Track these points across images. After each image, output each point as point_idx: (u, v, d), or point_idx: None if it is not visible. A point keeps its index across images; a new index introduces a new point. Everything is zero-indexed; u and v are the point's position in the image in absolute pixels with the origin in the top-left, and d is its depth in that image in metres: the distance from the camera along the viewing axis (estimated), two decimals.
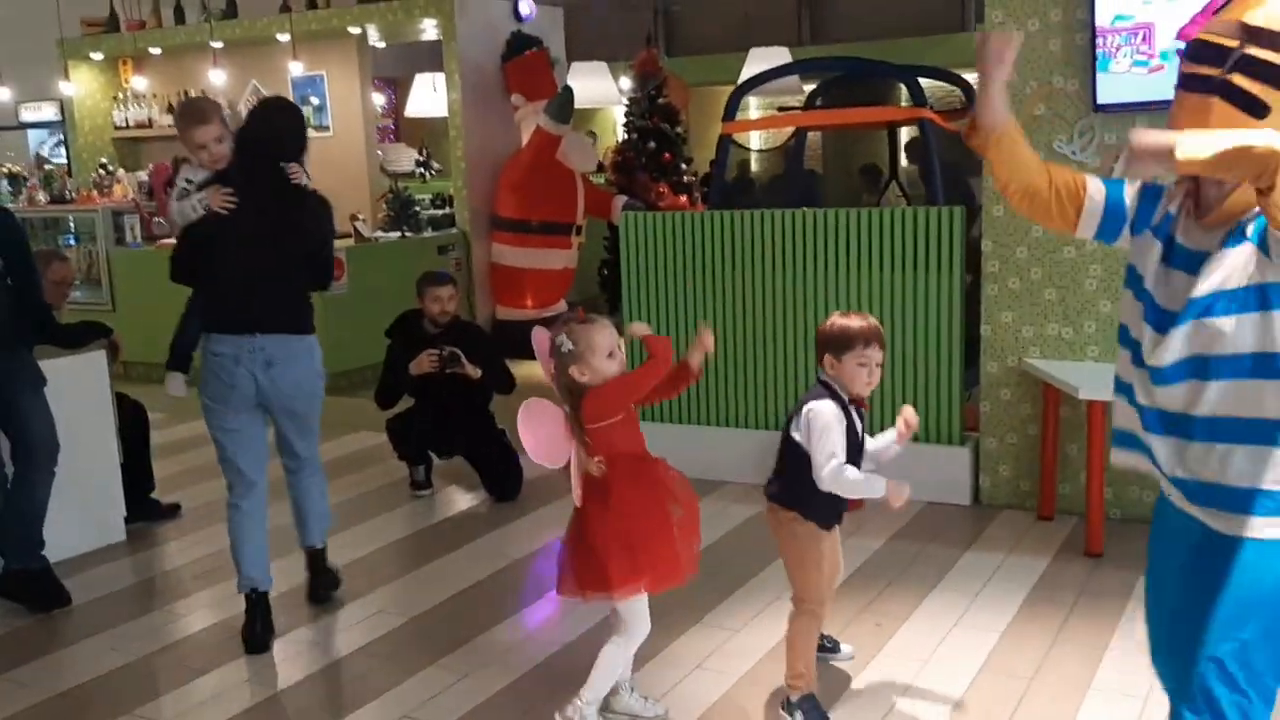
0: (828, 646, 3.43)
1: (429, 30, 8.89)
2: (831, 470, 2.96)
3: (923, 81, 5.90)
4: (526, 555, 4.52)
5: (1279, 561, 1.98)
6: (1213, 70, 1.97)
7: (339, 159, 8.96)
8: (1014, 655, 3.48)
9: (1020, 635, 3.62)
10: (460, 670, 3.52)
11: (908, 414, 3.11)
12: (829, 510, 3.13)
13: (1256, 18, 1.93)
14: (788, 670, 3.15)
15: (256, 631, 3.74)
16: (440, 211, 9.36)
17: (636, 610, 3.06)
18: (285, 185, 3.77)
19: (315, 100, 9.22)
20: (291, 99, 9.03)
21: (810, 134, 7.25)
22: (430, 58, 10.78)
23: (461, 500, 5.31)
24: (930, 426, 4.86)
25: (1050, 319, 4.60)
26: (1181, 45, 2.07)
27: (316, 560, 4.10)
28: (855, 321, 3.04)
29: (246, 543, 3.77)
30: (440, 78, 10.13)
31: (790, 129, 6.81)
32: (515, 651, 3.64)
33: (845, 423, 3.00)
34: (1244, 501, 1.98)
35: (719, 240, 5.24)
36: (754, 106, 11.51)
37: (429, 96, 11.70)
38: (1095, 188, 2.20)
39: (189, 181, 3.88)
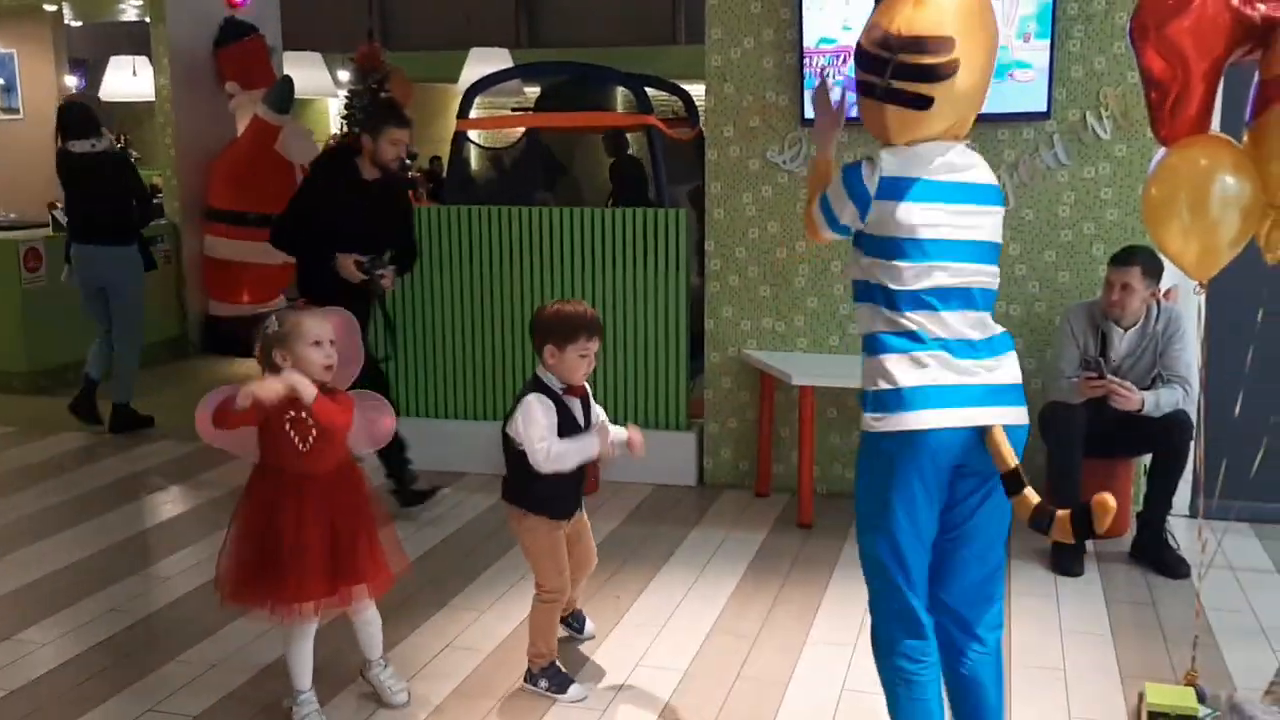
0: (575, 626, 3.61)
1: (129, 10, 8.45)
2: (544, 454, 3.08)
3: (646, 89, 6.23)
4: None
5: None
6: (876, 79, 2.34)
7: (31, 144, 8.36)
8: (739, 619, 3.81)
9: (744, 601, 3.95)
10: (201, 665, 3.47)
11: (636, 444, 3.26)
12: (559, 502, 3.25)
13: (899, 26, 2.29)
14: (529, 649, 3.32)
15: (82, 406, 6.10)
16: None
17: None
18: (102, 152, 6.03)
19: (2, 81, 8.54)
20: None
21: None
22: (128, 39, 10.23)
23: (186, 498, 5.13)
24: (658, 414, 5.18)
25: (765, 313, 5.02)
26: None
27: (118, 409, 6.12)
28: (576, 313, 3.14)
29: (94, 351, 6.15)
30: (140, 60, 9.64)
31: (520, 129, 6.99)
32: (256, 645, 3.60)
33: (555, 412, 3.13)
34: None
35: (454, 235, 5.34)
36: (475, 105, 11.63)
37: (127, 80, 11.05)
38: None
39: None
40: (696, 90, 6.04)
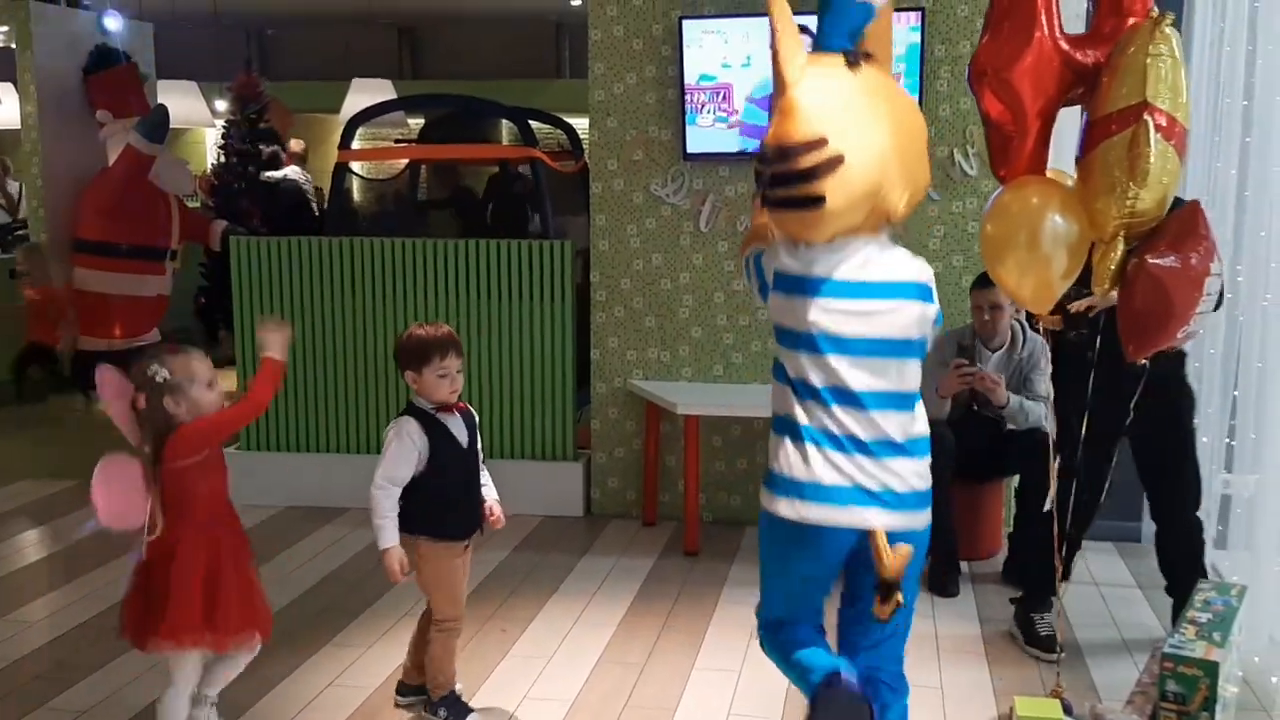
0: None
1: None
2: (375, 489, 3.08)
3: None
4: (97, 614, 4.10)
5: None
6: (767, 193, 2.40)
7: None
8: (627, 646, 3.83)
9: (632, 628, 3.98)
10: (70, 712, 3.34)
11: (496, 514, 3.27)
12: (453, 525, 3.22)
13: (768, 140, 2.36)
14: (429, 681, 3.29)
15: None
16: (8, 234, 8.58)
17: (182, 660, 2.95)
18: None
19: None
20: None
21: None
22: None
23: (51, 540, 4.94)
24: (545, 445, 5.20)
25: (650, 344, 5.08)
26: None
27: None
28: (430, 333, 3.13)
29: None
30: (4, 87, 9.33)
31: (403, 161, 6.96)
32: (127, 690, 3.46)
33: (427, 439, 3.11)
34: None
35: (336, 267, 5.28)
36: (356, 136, 11.54)
37: None
38: None
39: None
40: (580, 124, 6.10)
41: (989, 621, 4.04)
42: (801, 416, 2.44)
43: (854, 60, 2.37)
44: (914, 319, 2.47)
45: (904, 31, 4.58)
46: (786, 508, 2.44)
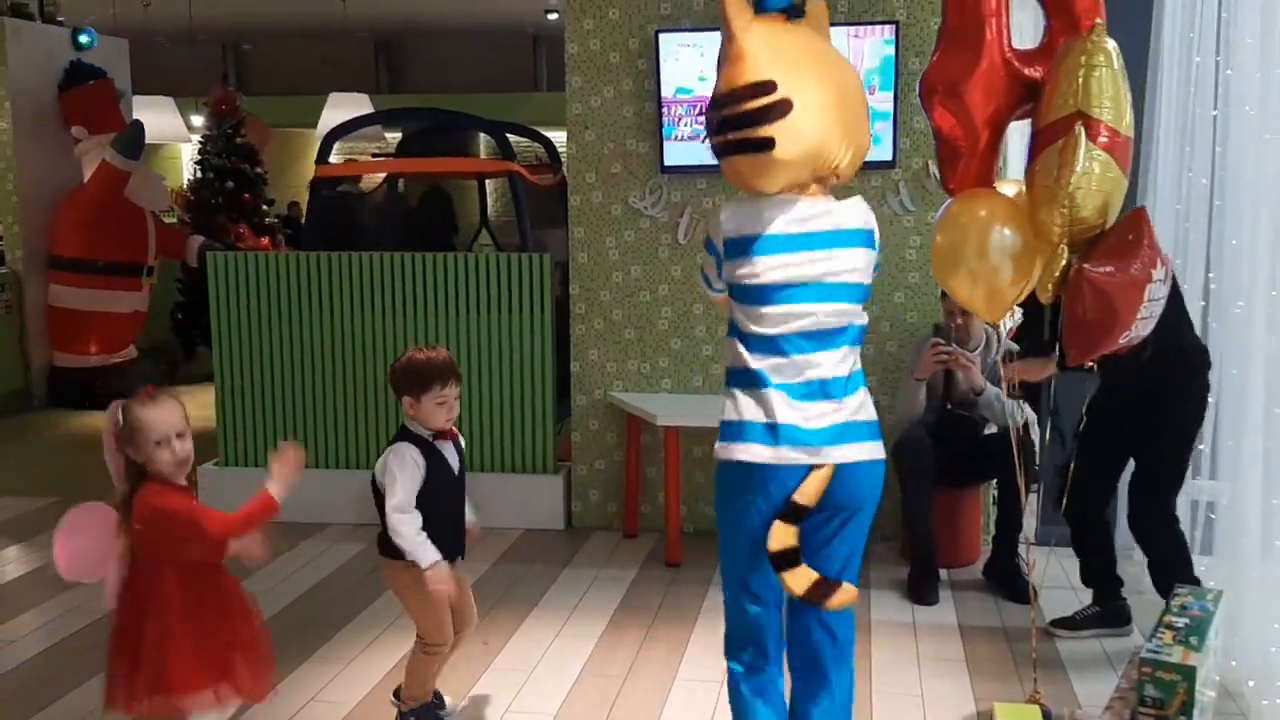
0: (435, 703, 3.42)
1: None
2: (396, 517, 3.04)
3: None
4: (77, 631, 4.04)
5: None
6: (718, 138, 2.46)
7: None
8: (609, 658, 3.83)
9: (614, 640, 3.98)
10: None
11: (474, 535, 3.29)
12: (446, 551, 3.16)
13: (719, 86, 2.44)
14: (404, 693, 3.28)
15: None
16: None
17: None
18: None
19: None
20: None
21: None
22: None
23: (30, 557, 4.90)
24: (526, 458, 5.19)
25: (630, 356, 5.09)
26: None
27: None
28: (428, 360, 3.09)
29: None
30: None
31: (380, 175, 6.97)
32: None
33: (425, 464, 3.08)
34: None
35: (314, 282, 5.27)
36: (334, 151, 11.53)
37: None
38: None
39: None
40: (558, 137, 6.12)
41: (969, 628, 4.06)
42: (755, 364, 2.51)
43: (795, 13, 2.46)
44: (861, 264, 2.53)
45: (878, 45, 4.62)
46: (740, 450, 2.52)
